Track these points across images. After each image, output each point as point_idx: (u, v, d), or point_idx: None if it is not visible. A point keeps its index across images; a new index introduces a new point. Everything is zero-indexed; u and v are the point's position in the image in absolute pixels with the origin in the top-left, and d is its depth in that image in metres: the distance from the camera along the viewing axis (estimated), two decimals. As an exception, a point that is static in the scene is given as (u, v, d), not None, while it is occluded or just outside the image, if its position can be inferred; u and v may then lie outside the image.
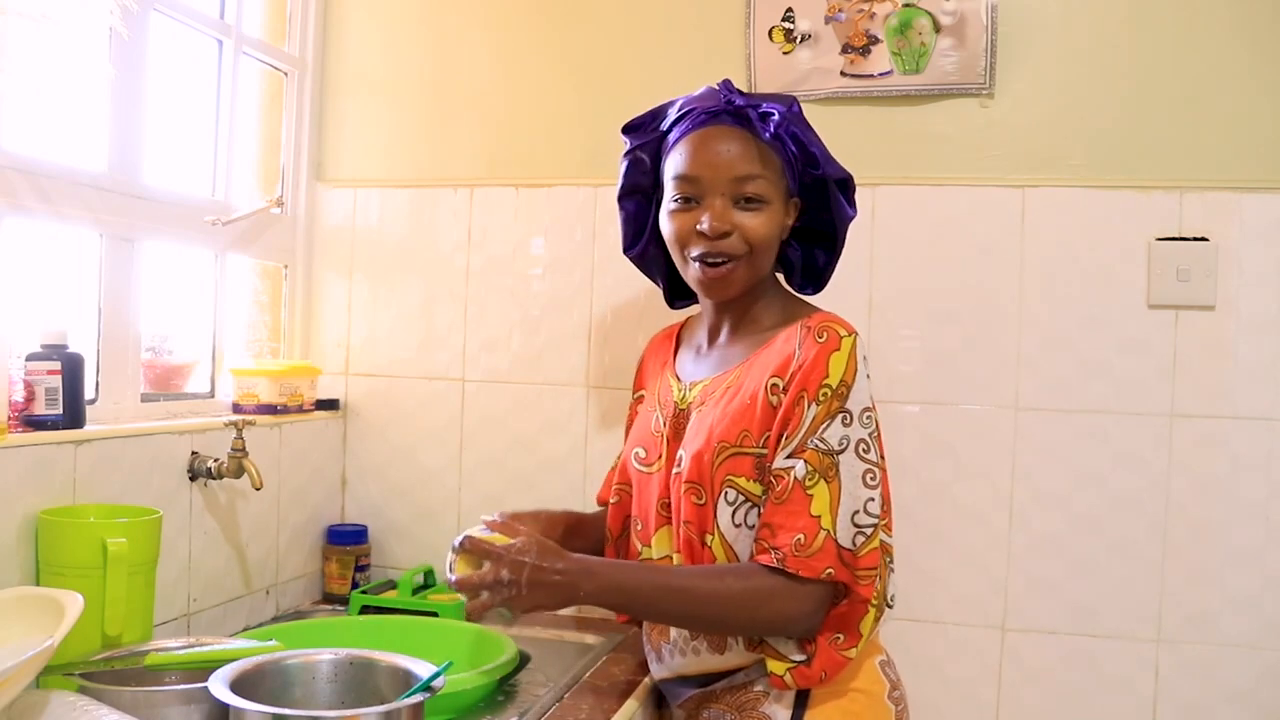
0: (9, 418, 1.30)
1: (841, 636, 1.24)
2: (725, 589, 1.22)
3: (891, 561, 1.30)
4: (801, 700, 1.26)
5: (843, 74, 1.75)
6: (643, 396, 1.52)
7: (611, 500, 1.47)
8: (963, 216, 1.72)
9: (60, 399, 1.34)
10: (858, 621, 1.24)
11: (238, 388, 1.75)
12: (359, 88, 1.99)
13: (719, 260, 1.31)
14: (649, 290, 1.81)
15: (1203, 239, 1.64)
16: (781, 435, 1.24)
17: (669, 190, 1.35)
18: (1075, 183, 1.68)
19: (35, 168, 1.37)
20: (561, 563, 1.22)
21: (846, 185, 1.38)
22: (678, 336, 1.51)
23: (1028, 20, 1.69)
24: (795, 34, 1.76)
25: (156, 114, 1.62)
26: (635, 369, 1.58)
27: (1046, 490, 1.69)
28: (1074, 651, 1.68)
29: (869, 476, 1.23)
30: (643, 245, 1.48)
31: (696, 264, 1.33)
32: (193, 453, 1.54)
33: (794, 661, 1.24)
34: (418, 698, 1.06)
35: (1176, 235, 1.65)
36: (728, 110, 1.32)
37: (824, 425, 1.22)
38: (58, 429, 1.33)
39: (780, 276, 1.45)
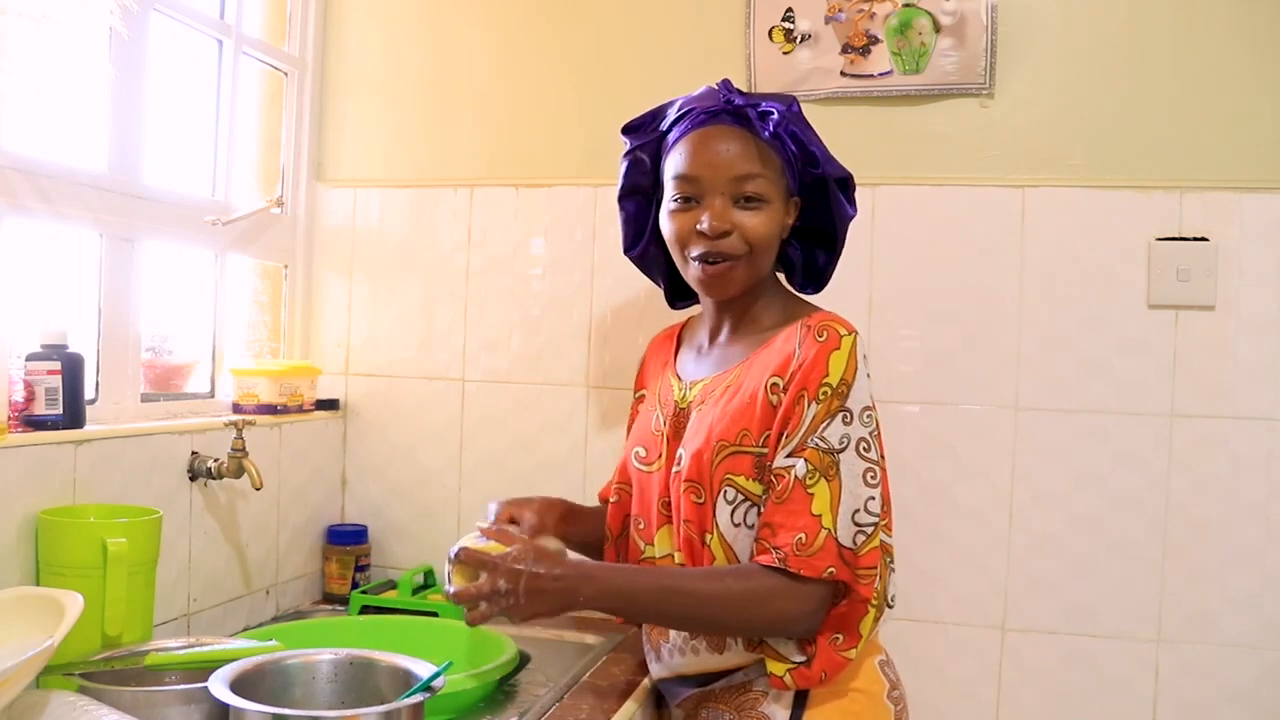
0: (9, 418, 1.30)
1: (841, 637, 1.24)
2: (726, 590, 1.22)
3: (892, 561, 1.30)
4: (800, 700, 1.26)
5: (843, 74, 1.75)
6: (644, 396, 1.52)
7: (611, 499, 1.47)
8: (963, 216, 1.72)
9: (60, 399, 1.34)
10: (857, 622, 1.23)
11: (238, 388, 1.75)
12: (359, 88, 1.99)
13: (719, 259, 1.31)
14: (649, 290, 1.81)
15: (1203, 239, 1.64)
16: (782, 434, 1.24)
17: (669, 190, 1.36)
18: (1075, 183, 1.68)
19: (35, 168, 1.37)
20: (559, 569, 1.21)
21: (846, 184, 1.38)
22: (679, 336, 1.52)
23: (1028, 20, 1.69)
24: (795, 34, 1.76)
25: (156, 114, 1.62)
26: (636, 369, 1.58)
27: (1046, 490, 1.69)
28: (1074, 651, 1.68)
29: (869, 475, 1.23)
30: (643, 245, 1.48)
31: (696, 263, 1.33)
32: (193, 453, 1.54)
33: (794, 662, 1.24)
34: (418, 698, 1.06)
35: (1176, 235, 1.65)
36: (727, 110, 1.32)
37: (824, 424, 1.22)
38: (58, 429, 1.33)
39: (781, 276, 1.45)
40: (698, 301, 1.47)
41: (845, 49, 1.74)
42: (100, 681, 1.13)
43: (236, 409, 1.73)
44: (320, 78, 1.99)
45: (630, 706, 1.33)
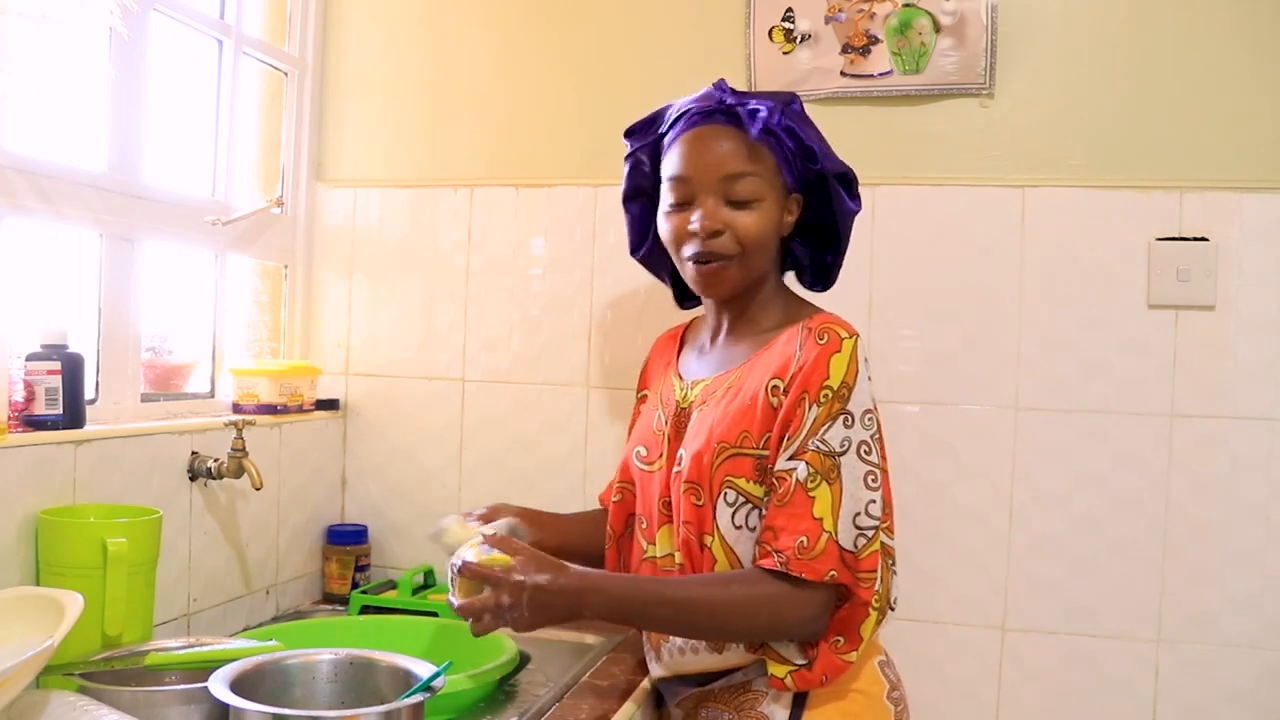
0: (9, 418, 1.30)
1: (842, 639, 1.24)
2: (730, 597, 1.22)
3: (894, 564, 1.30)
4: (800, 700, 1.26)
5: (843, 74, 1.75)
6: (646, 396, 1.52)
7: (614, 499, 1.47)
8: (963, 216, 1.72)
9: (60, 399, 1.34)
10: (858, 624, 1.23)
11: (238, 388, 1.75)
12: (359, 88, 1.99)
13: (711, 259, 1.31)
14: (649, 290, 1.81)
15: (1203, 239, 1.64)
16: (783, 437, 1.24)
17: (664, 191, 1.36)
18: (1075, 183, 1.68)
19: (35, 168, 1.37)
20: (563, 581, 1.20)
21: (847, 180, 1.37)
22: (682, 337, 1.52)
23: (1028, 20, 1.69)
24: (795, 34, 1.76)
25: (156, 114, 1.62)
26: (635, 368, 1.59)
27: (1046, 490, 1.69)
28: (1074, 651, 1.68)
29: (870, 478, 1.23)
30: (648, 246, 1.49)
31: (690, 263, 1.33)
32: (193, 453, 1.54)
33: (795, 664, 1.24)
34: (418, 698, 1.06)
35: (1176, 235, 1.65)
36: (719, 110, 1.33)
37: (825, 427, 1.22)
38: (58, 429, 1.33)
39: (789, 275, 1.45)
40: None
41: (845, 49, 1.74)
42: (100, 681, 1.13)
43: (236, 409, 1.73)
44: (320, 78, 1.99)
45: (630, 706, 1.33)
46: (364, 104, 1.98)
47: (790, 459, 1.23)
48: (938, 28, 1.70)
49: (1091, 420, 1.68)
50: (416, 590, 1.81)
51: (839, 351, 1.24)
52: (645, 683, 1.41)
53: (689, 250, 1.33)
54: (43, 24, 1.35)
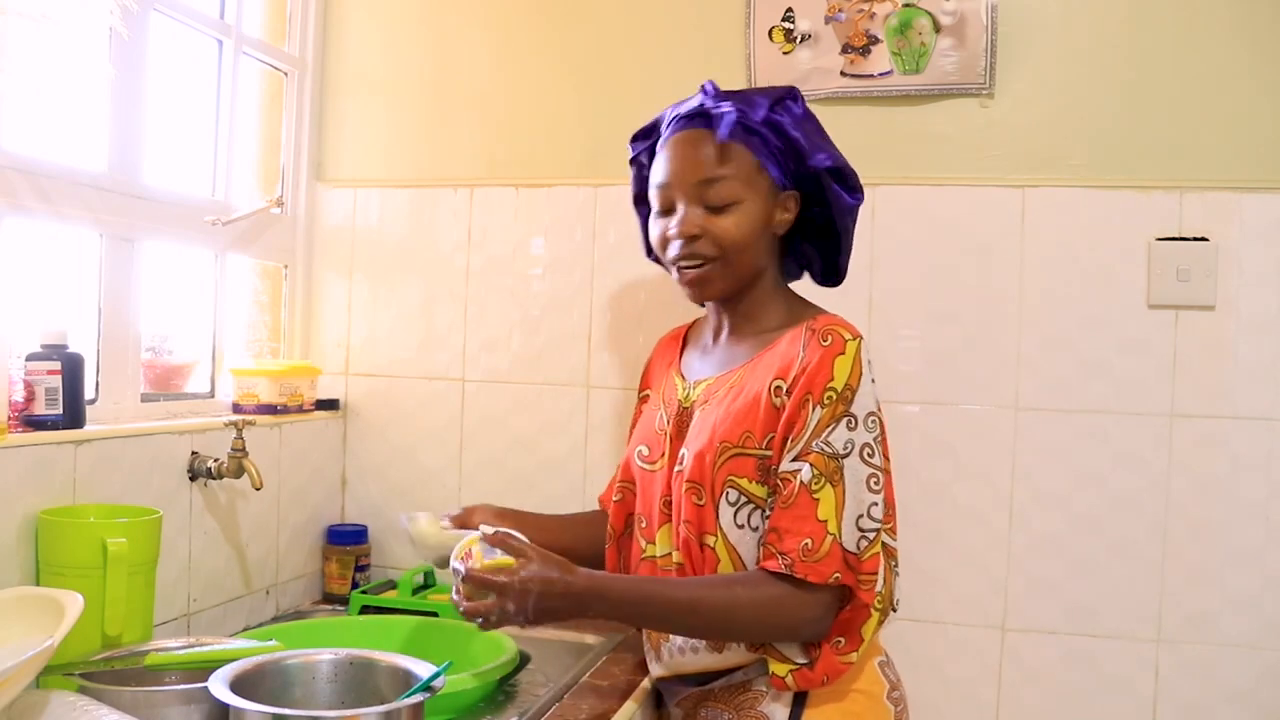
0: (9, 418, 1.30)
1: (843, 640, 1.24)
2: (734, 599, 1.22)
3: (896, 565, 1.29)
4: (800, 700, 1.26)
5: (843, 74, 1.75)
6: (648, 396, 1.52)
7: (615, 498, 1.47)
8: (963, 216, 1.72)
9: (60, 399, 1.34)
10: (859, 626, 1.24)
11: (238, 388, 1.75)
12: (359, 88, 1.99)
13: (692, 264, 1.33)
14: (649, 290, 1.81)
15: (1203, 239, 1.64)
16: (786, 438, 1.24)
17: (650, 198, 1.38)
18: (1075, 183, 1.68)
19: (35, 168, 1.37)
20: (567, 582, 1.20)
21: (841, 174, 1.35)
22: (685, 337, 1.52)
23: (1028, 20, 1.69)
24: (795, 34, 1.76)
25: (156, 114, 1.62)
26: (635, 368, 1.59)
27: (1046, 490, 1.69)
28: (1074, 651, 1.68)
29: (873, 481, 1.23)
30: None
31: (674, 268, 1.36)
32: (193, 453, 1.54)
33: (796, 664, 1.24)
34: (418, 698, 1.06)
35: (1176, 235, 1.65)
36: (699, 113, 1.33)
37: (828, 429, 1.22)
38: (58, 429, 1.33)
39: (797, 271, 1.46)
40: None
41: (845, 49, 1.74)
42: (100, 681, 1.13)
43: (236, 409, 1.73)
44: (320, 78, 1.99)
45: (630, 706, 1.33)
46: (364, 104, 1.98)
47: (794, 460, 1.23)
48: (938, 28, 1.70)
49: (1091, 420, 1.68)
50: (416, 590, 1.81)
51: (842, 353, 1.24)
52: (645, 683, 1.41)
53: (671, 255, 1.34)
54: (43, 24, 1.35)
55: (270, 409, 1.74)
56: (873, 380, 1.27)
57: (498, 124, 1.92)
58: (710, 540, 1.28)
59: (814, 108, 1.72)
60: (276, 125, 1.96)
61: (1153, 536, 1.65)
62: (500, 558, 1.22)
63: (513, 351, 1.90)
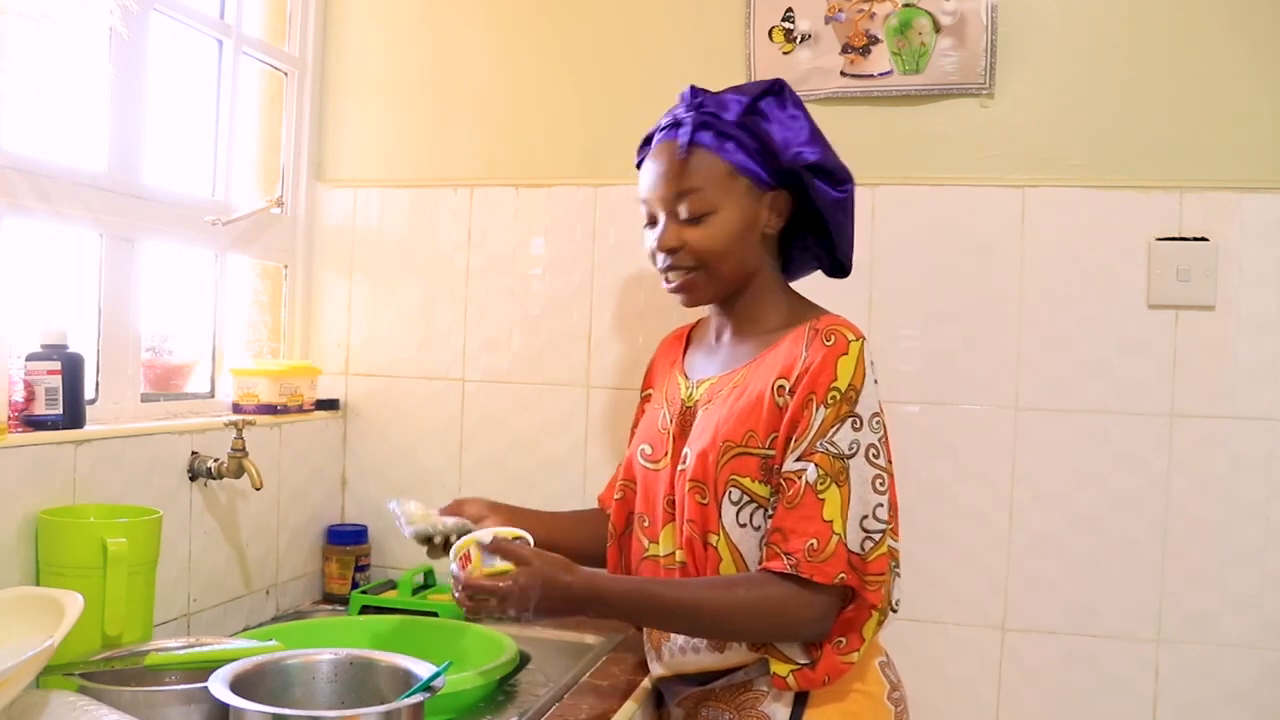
0: (9, 418, 1.30)
1: (844, 640, 1.24)
2: (736, 600, 1.22)
3: (897, 566, 1.29)
4: (801, 700, 1.26)
5: (843, 74, 1.75)
6: (650, 396, 1.52)
7: (616, 496, 1.47)
8: (963, 216, 1.72)
9: (60, 399, 1.34)
10: (861, 626, 1.24)
11: (238, 388, 1.75)
12: (359, 88, 1.99)
13: (674, 274, 1.35)
14: (649, 290, 1.81)
15: (1203, 239, 1.64)
16: (790, 438, 1.24)
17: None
18: (1075, 183, 1.68)
19: (35, 168, 1.37)
20: (568, 584, 1.20)
21: (820, 168, 1.32)
22: (688, 337, 1.52)
23: (1028, 20, 1.69)
24: (795, 34, 1.76)
25: (156, 114, 1.62)
26: (635, 368, 1.59)
27: (1046, 490, 1.69)
28: (1074, 651, 1.68)
29: (878, 482, 1.23)
30: None
31: (662, 278, 1.37)
32: (193, 453, 1.54)
33: (798, 664, 1.24)
34: (418, 698, 1.06)
35: (1176, 235, 1.65)
36: (675, 123, 1.34)
37: (833, 429, 1.22)
38: (58, 429, 1.33)
39: (808, 267, 1.46)
40: None
41: (845, 49, 1.74)
42: (100, 681, 1.13)
43: (236, 409, 1.73)
44: (320, 78, 1.99)
45: (630, 706, 1.33)
46: (364, 104, 1.98)
47: (798, 460, 1.23)
48: (938, 28, 1.70)
49: (1091, 420, 1.68)
50: (416, 590, 1.81)
51: (846, 354, 1.24)
52: (645, 682, 1.41)
53: (657, 266, 1.37)
54: (43, 24, 1.35)
55: (270, 409, 1.74)
56: (875, 381, 1.27)
57: (498, 124, 1.92)
58: (713, 539, 1.28)
59: (814, 108, 1.72)
60: (276, 125, 1.96)
61: (1153, 536, 1.65)
62: (499, 564, 1.22)
63: (513, 351, 1.90)
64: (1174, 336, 1.65)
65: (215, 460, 1.54)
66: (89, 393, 1.47)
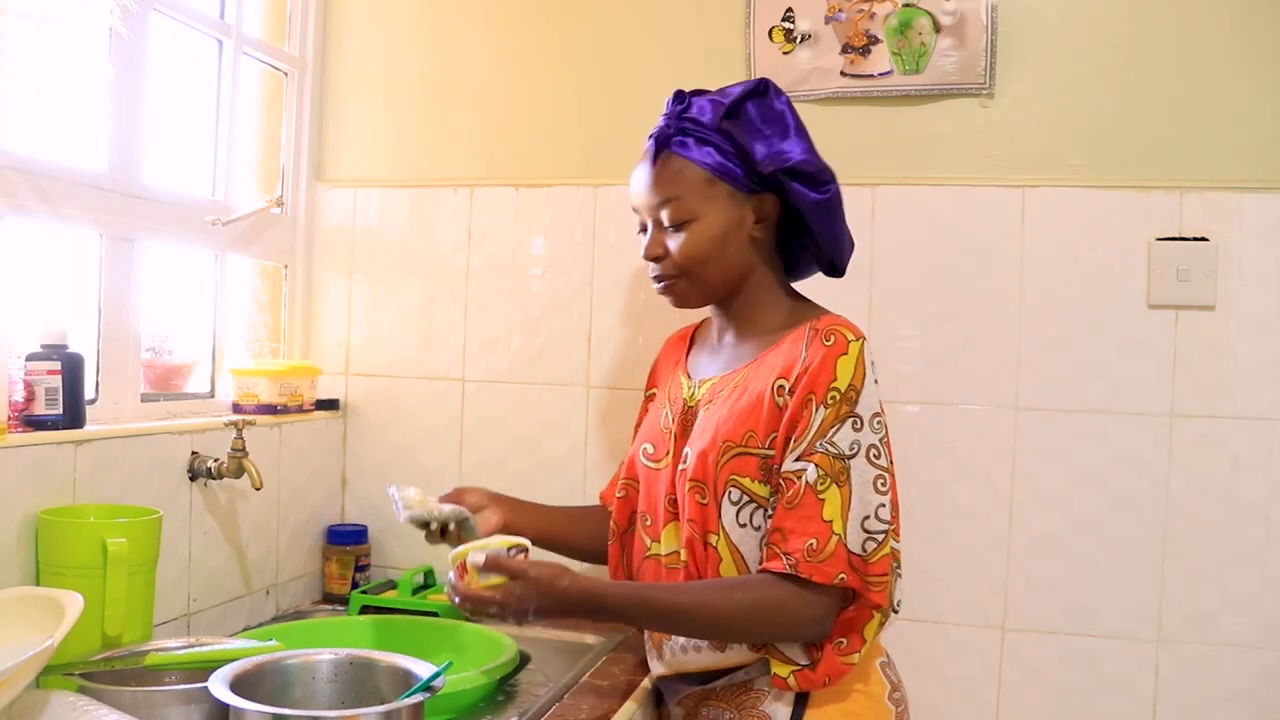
0: (9, 418, 1.30)
1: (845, 641, 1.24)
2: (734, 602, 1.22)
3: (899, 567, 1.29)
4: (802, 700, 1.26)
5: (843, 74, 1.75)
6: (654, 395, 1.52)
7: (618, 495, 1.47)
8: (963, 216, 1.72)
9: (60, 399, 1.34)
10: (862, 627, 1.24)
11: (238, 388, 1.75)
12: (359, 88, 1.99)
13: (663, 281, 1.37)
14: (649, 290, 1.80)
15: (1203, 239, 1.64)
16: (789, 438, 1.24)
17: None
18: (1075, 183, 1.68)
19: (35, 168, 1.37)
20: (565, 586, 1.21)
21: (796, 171, 1.30)
22: (692, 336, 1.52)
23: (1028, 20, 1.69)
24: (795, 34, 1.76)
25: (156, 114, 1.62)
26: (635, 368, 1.59)
27: (1046, 490, 1.69)
28: (1074, 651, 1.68)
29: (879, 482, 1.23)
30: None
31: (654, 284, 1.39)
32: (193, 453, 1.54)
33: (798, 665, 1.24)
34: (418, 698, 1.06)
35: (1176, 235, 1.65)
36: (656, 131, 1.35)
37: (833, 429, 1.22)
38: (58, 429, 1.33)
39: (809, 268, 1.46)
40: None
41: (845, 49, 1.74)
42: (100, 681, 1.13)
43: (236, 409, 1.73)
44: (320, 78, 1.99)
45: (630, 706, 1.33)
46: (364, 104, 1.98)
47: (798, 460, 1.22)
48: (938, 28, 1.70)
49: (1091, 420, 1.68)
50: (416, 590, 1.81)
51: (845, 354, 1.24)
52: (646, 682, 1.41)
53: (649, 273, 1.39)
54: (43, 24, 1.35)
55: (270, 409, 1.74)
56: (875, 381, 1.27)
57: (498, 124, 1.92)
58: (713, 539, 1.28)
59: (814, 108, 1.74)
60: (276, 125, 1.96)
61: (1153, 536, 1.65)
62: (494, 579, 1.23)
63: (513, 351, 1.90)
64: (1174, 336, 1.65)
65: (215, 460, 1.54)
66: (89, 393, 1.47)
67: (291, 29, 1.96)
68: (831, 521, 1.20)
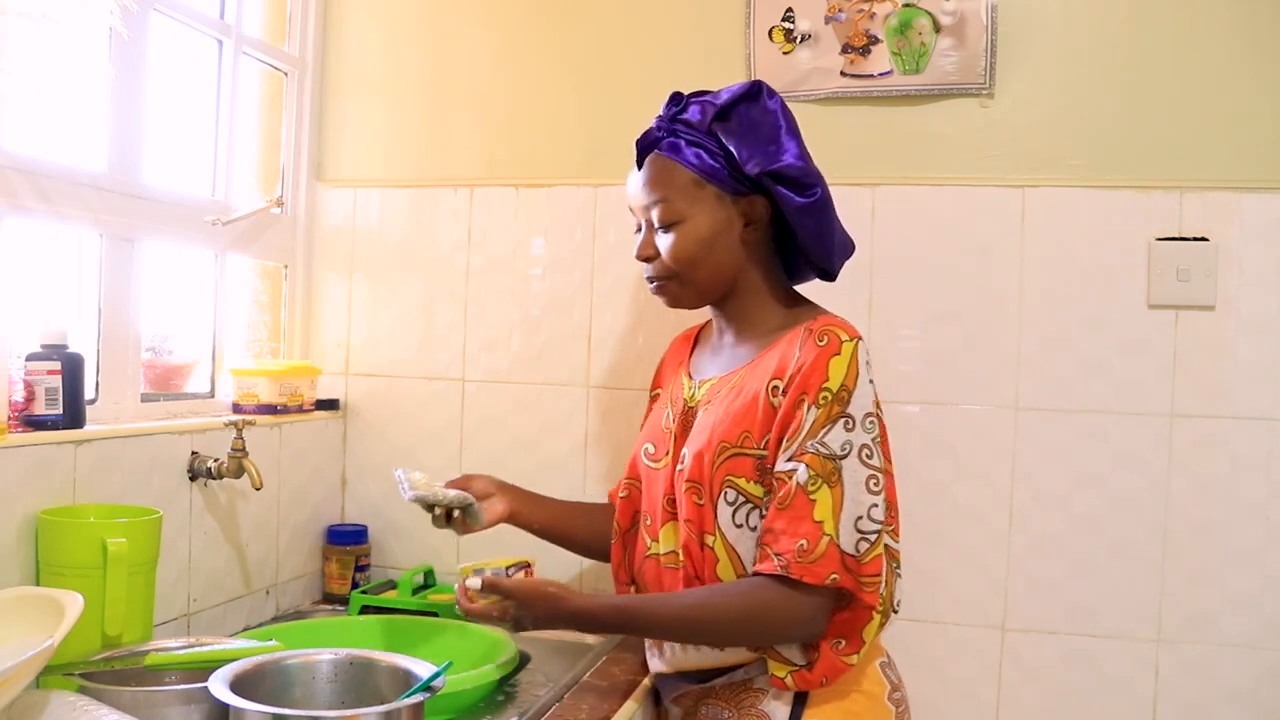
0: (9, 418, 1.30)
1: (843, 642, 1.24)
2: (725, 606, 1.23)
3: (898, 567, 1.29)
4: (800, 699, 1.26)
5: (843, 74, 1.75)
6: (658, 395, 1.53)
7: (621, 495, 1.47)
8: (963, 216, 1.72)
9: (60, 399, 1.34)
10: (861, 627, 1.24)
11: (238, 388, 1.75)
12: (359, 88, 1.99)
13: (655, 281, 1.38)
14: (649, 290, 1.81)
15: (1203, 239, 1.64)
16: (782, 438, 1.24)
17: None
18: (1075, 183, 1.68)
19: (35, 168, 1.37)
20: (559, 607, 1.25)
21: (780, 176, 1.30)
22: (696, 337, 1.53)
23: (1028, 20, 1.69)
24: (795, 34, 1.76)
25: (156, 114, 1.62)
26: (635, 368, 1.60)
27: (1046, 490, 1.69)
28: (1074, 651, 1.68)
29: (872, 482, 1.23)
30: None
31: (648, 285, 1.40)
32: (193, 453, 1.54)
33: (796, 665, 1.24)
34: (418, 698, 1.06)
35: (1176, 235, 1.65)
36: (647, 133, 1.36)
37: (825, 429, 1.22)
38: (58, 429, 1.33)
39: (807, 271, 1.46)
40: None
41: (845, 49, 1.74)
42: (100, 681, 1.13)
43: (236, 409, 1.73)
44: (320, 78, 1.99)
45: (630, 706, 1.33)
46: (364, 104, 1.98)
47: (789, 460, 1.23)
48: (938, 28, 1.70)
49: (1091, 420, 1.68)
50: (416, 590, 1.81)
51: (838, 354, 1.24)
52: (646, 682, 1.41)
53: (644, 273, 1.40)
54: (43, 24, 1.35)
55: (270, 409, 1.74)
56: (871, 381, 1.27)
57: (498, 124, 1.92)
58: (709, 540, 1.28)
59: (814, 108, 1.74)
60: (276, 125, 1.96)
61: (1153, 536, 1.65)
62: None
63: (513, 351, 1.90)
64: (1174, 336, 1.65)
65: (215, 460, 1.54)
66: (89, 393, 1.47)
67: (291, 29, 1.96)
68: (822, 522, 1.19)
